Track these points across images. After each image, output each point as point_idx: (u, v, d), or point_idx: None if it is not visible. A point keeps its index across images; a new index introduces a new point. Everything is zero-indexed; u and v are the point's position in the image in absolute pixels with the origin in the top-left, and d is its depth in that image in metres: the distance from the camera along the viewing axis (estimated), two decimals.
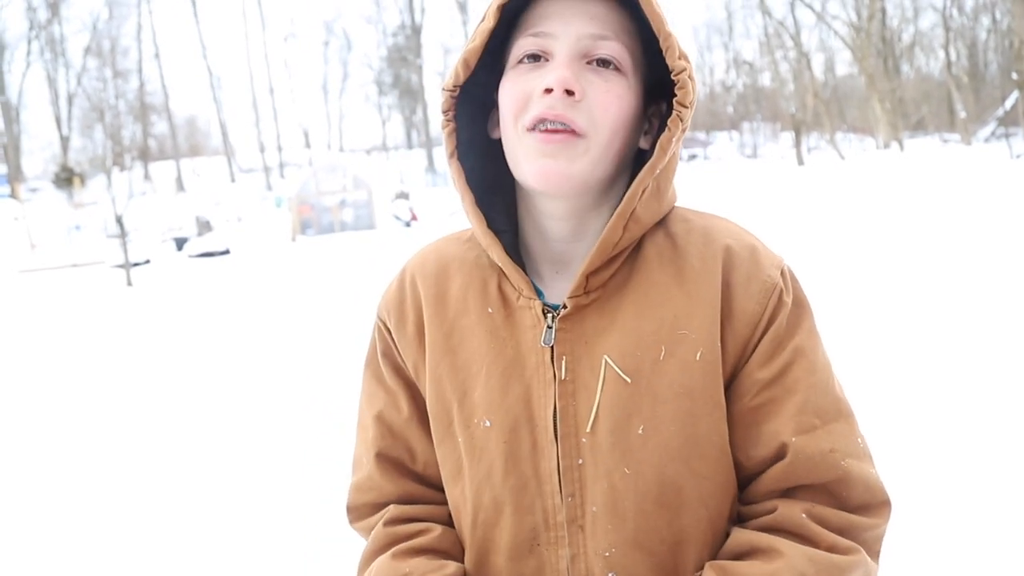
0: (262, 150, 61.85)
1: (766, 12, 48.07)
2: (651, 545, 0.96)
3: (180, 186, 54.56)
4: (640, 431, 0.95)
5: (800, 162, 38.38)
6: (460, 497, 1.04)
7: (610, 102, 0.95)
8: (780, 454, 0.96)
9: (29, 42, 52.83)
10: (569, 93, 0.93)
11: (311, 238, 27.80)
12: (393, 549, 1.03)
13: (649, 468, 0.95)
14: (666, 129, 0.96)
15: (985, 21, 47.69)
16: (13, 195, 38.76)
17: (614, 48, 0.96)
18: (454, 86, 1.00)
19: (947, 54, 43.14)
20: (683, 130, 0.97)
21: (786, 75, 53.25)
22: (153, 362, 8.52)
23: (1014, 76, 21.74)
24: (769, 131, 62.74)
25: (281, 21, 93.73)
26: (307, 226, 29.32)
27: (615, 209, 0.99)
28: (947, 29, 43.25)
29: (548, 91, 0.93)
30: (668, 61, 0.95)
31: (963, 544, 2.97)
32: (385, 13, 70.45)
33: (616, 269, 1.00)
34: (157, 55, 60.99)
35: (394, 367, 1.11)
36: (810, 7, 45.57)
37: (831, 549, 0.91)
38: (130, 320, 12.11)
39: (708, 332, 0.96)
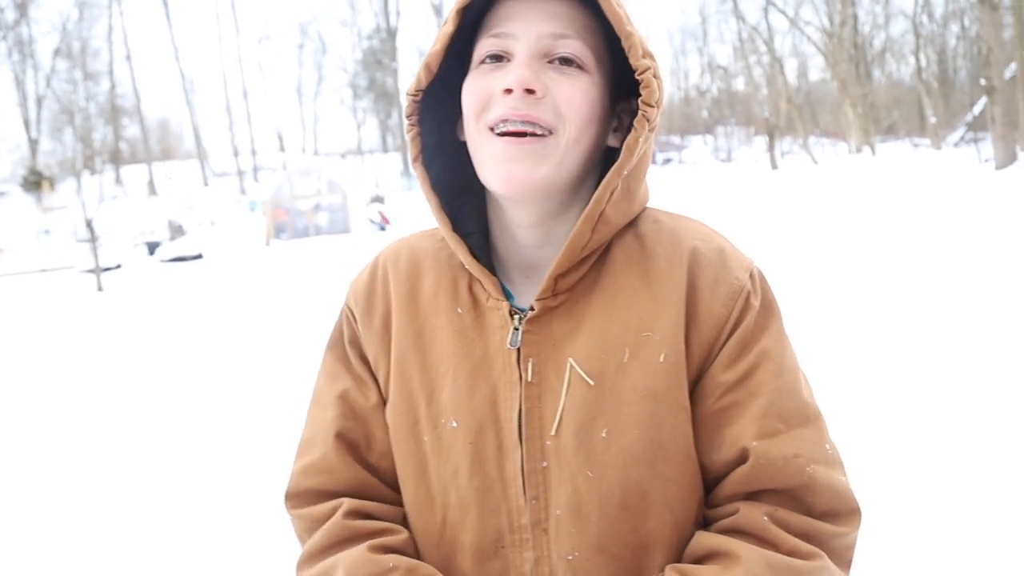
0: (236, 154, 61.42)
1: (740, 17, 48.42)
2: (615, 549, 0.95)
3: (152, 190, 54.03)
4: (604, 434, 0.94)
5: (774, 166, 38.69)
6: (424, 497, 1.03)
7: (574, 96, 0.95)
8: (742, 458, 0.95)
9: None
10: (530, 92, 0.93)
11: (285, 242, 27.61)
12: (368, 543, 0.99)
13: (613, 472, 0.94)
14: (632, 129, 0.95)
15: (954, 28, 48.43)
16: None
17: (575, 46, 0.95)
18: (417, 90, 1.00)
19: (917, 60, 43.69)
20: (651, 130, 0.96)
21: (760, 80, 53.68)
22: (124, 368, 8.41)
23: (982, 82, 22.01)
24: (743, 135, 63.22)
25: (255, 23, 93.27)
26: (281, 230, 29.12)
27: (581, 212, 0.99)
28: (917, 35, 43.78)
29: (508, 91, 0.93)
30: (631, 60, 0.94)
31: (945, 547, 2.99)
32: (360, 16, 70.37)
33: (585, 272, 0.99)
34: (128, 57, 60.34)
35: (361, 356, 1.10)
36: (783, 13, 45.97)
37: (792, 553, 0.90)
38: (101, 326, 11.95)
39: (672, 334, 0.96)
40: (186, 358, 8.62)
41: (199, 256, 23.93)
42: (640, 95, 0.95)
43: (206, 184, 58.37)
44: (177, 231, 29.83)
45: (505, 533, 0.98)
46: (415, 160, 1.02)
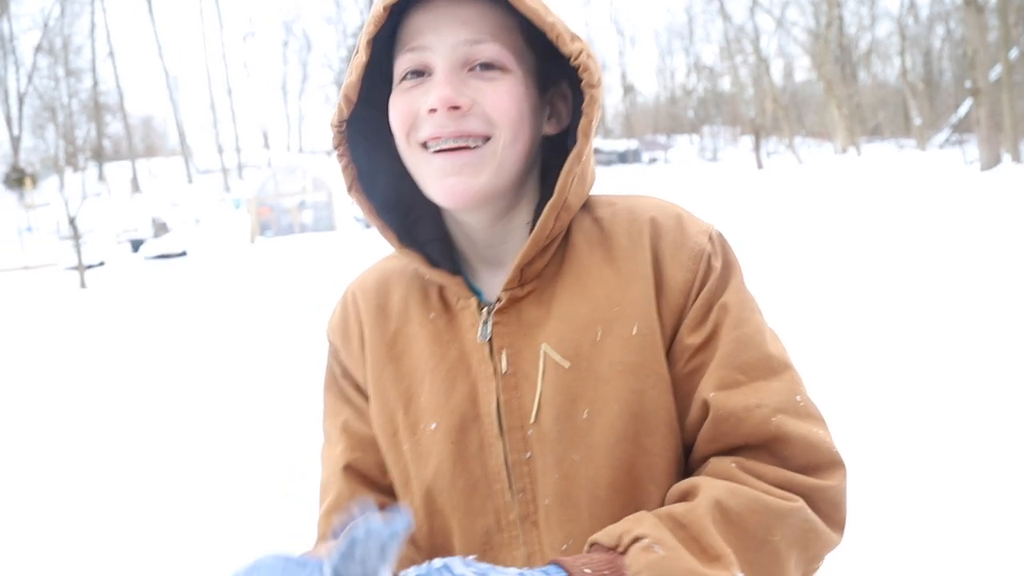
0: (220, 151, 61.11)
1: (726, 17, 48.64)
2: (614, 514, 0.92)
3: (136, 187, 53.70)
4: (585, 415, 0.93)
5: (759, 166, 38.88)
6: (411, 507, 1.01)
7: (502, 100, 0.93)
8: (704, 413, 0.92)
9: None
10: (455, 108, 0.91)
11: (270, 240, 27.51)
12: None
13: (598, 452, 0.93)
14: (583, 115, 0.94)
15: (940, 30, 48.83)
16: None
17: (492, 50, 0.93)
18: (340, 122, 0.98)
19: (903, 62, 44.01)
20: (598, 107, 0.95)
21: (746, 80, 53.93)
22: (108, 365, 8.34)
23: (967, 84, 22.17)
24: (729, 135, 63.49)
25: (239, 20, 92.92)
26: (266, 227, 29.02)
27: (534, 201, 1.01)
28: (903, 37, 44.12)
29: (433, 110, 0.91)
30: (562, 49, 0.92)
31: (942, 545, 2.98)
32: (345, 13, 69.99)
33: (549, 258, 0.99)
34: (111, 54, 59.97)
35: (355, 386, 1.09)
36: (769, 13, 46.22)
37: (764, 493, 0.86)
38: (84, 323, 11.86)
39: (642, 306, 0.95)
40: (170, 356, 8.56)
41: (183, 253, 23.80)
42: (578, 78, 0.94)
43: (190, 181, 58.08)
44: (161, 228, 29.66)
45: (493, 533, 0.96)
46: (350, 190, 1.01)
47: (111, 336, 10.40)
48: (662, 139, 63.44)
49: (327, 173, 30.60)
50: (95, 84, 57.48)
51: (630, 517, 0.86)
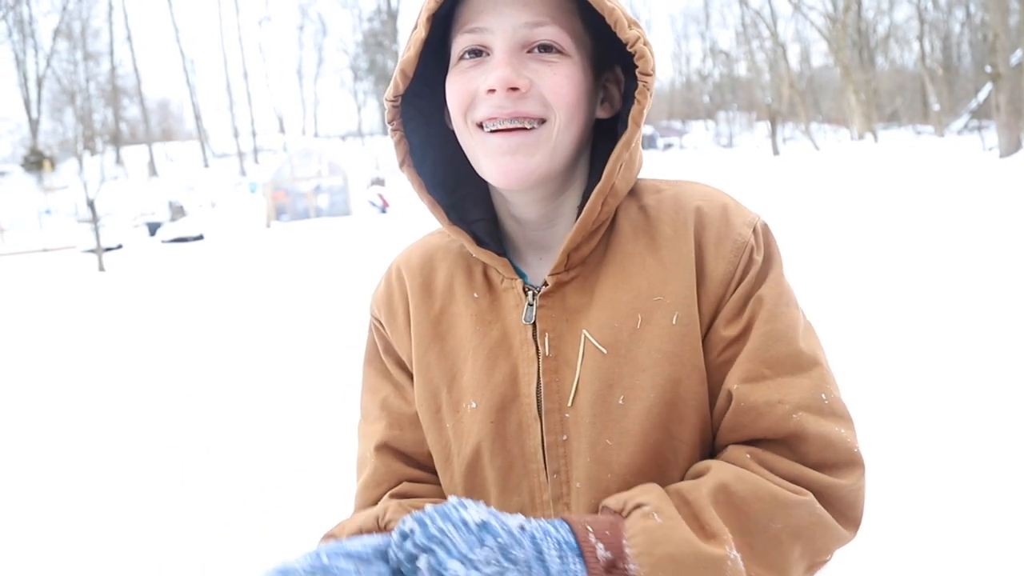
0: (236, 135, 61.27)
1: (743, 2, 48.21)
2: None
3: (153, 171, 53.91)
4: (621, 401, 0.95)
5: (775, 152, 38.62)
6: (449, 483, 1.04)
7: (560, 84, 0.94)
8: (727, 403, 0.94)
9: None
10: (513, 89, 0.92)
11: (286, 224, 27.60)
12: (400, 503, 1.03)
13: (631, 438, 0.94)
14: (635, 102, 0.95)
15: (959, 14, 48.21)
16: None
17: (552, 32, 0.94)
18: (395, 96, 0.99)
19: (921, 46, 43.47)
20: (650, 96, 0.96)
21: (762, 65, 53.49)
22: (125, 348, 8.42)
23: (988, 69, 21.92)
24: (745, 121, 63.07)
25: (256, 4, 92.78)
26: (282, 212, 29.11)
27: (583, 186, 1.01)
28: (922, 22, 43.58)
29: (492, 91, 0.92)
30: (620, 35, 0.93)
31: (945, 544, 3.00)
32: None
33: (595, 244, 1.00)
34: (129, 38, 60.13)
35: (397, 362, 1.11)
36: None
37: (771, 483, 0.88)
38: (102, 305, 11.96)
39: (683, 296, 0.96)
40: (186, 338, 8.63)
41: (200, 237, 23.93)
42: (631, 64, 0.95)
43: (206, 165, 58.28)
44: (178, 212, 29.83)
45: (527, 511, 0.98)
46: (403, 164, 1.02)
47: (128, 318, 10.49)
48: (677, 125, 63.08)
49: (342, 157, 30.63)
50: (113, 68, 57.66)
51: (642, 486, 0.89)
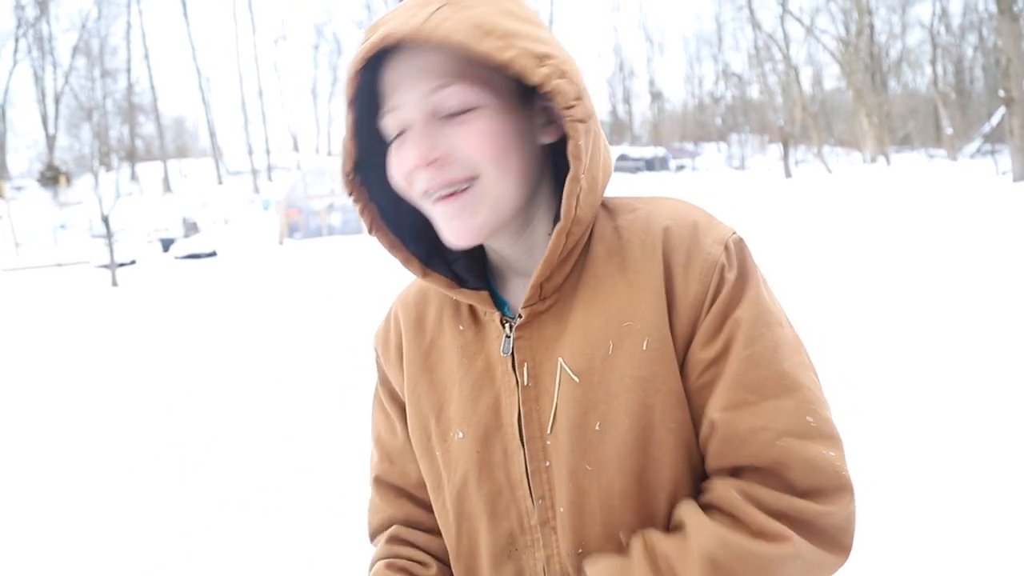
0: (250, 152, 61.66)
1: (756, 25, 48.37)
2: (621, 538, 0.97)
3: (167, 187, 54.29)
4: (597, 427, 0.96)
5: (788, 175, 38.60)
6: (442, 510, 1.08)
7: (476, 141, 0.93)
8: (711, 431, 0.94)
9: (16, 40, 52.49)
10: (434, 161, 0.93)
11: (299, 242, 27.71)
12: (389, 561, 1.11)
13: (609, 463, 0.96)
14: (569, 138, 0.93)
15: (972, 39, 48.24)
16: None
17: (456, 91, 0.93)
18: (349, 170, 1.01)
19: (934, 70, 43.52)
20: (583, 120, 0.93)
21: (774, 88, 53.58)
22: (137, 363, 8.47)
23: (1001, 93, 21.89)
24: (757, 143, 63.09)
25: (272, 24, 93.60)
26: (295, 229, 29.24)
27: (552, 210, 1.02)
28: (934, 46, 43.64)
29: (418, 166, 0.94)
30: (526, 82, 0.92)
31: (946, 547, 2.99)
32: (375, 17, 70.35)
33: (569, 271, 1.00)
34: (146, 56, 60.70)
35: (390, 393, 1.16)
36: (799, 21, 45.88)
37: (758, 534, 0.88)
38: (115, 321, 12.03)
39: (654, 321, 0.96)
40: (198, 355, 8.67)
41: (213, 254, 24.06)
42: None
43: (220, 182, 58.63)
44: (191, 228, 30.01)
45: (517, 536, 1.01)
46: (371, 231, 1.05)
47: (139, 331, 10.55)
48: (690, 147, 63.17)
49: None
50: (129, 85, 58.22)
51: (624, 560, 0.92)
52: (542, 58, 0.91)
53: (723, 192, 27.81)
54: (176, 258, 24.18)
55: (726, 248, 0.97)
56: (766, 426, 0.91)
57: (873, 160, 41.84)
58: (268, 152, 65.63)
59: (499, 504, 1.01)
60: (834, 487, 0.90)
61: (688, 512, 0.93)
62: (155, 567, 3.61)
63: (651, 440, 0.95)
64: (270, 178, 60.61)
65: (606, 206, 1.05)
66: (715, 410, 0.93)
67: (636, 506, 0.96)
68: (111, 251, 17.70)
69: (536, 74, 0.90)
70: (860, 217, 15.92)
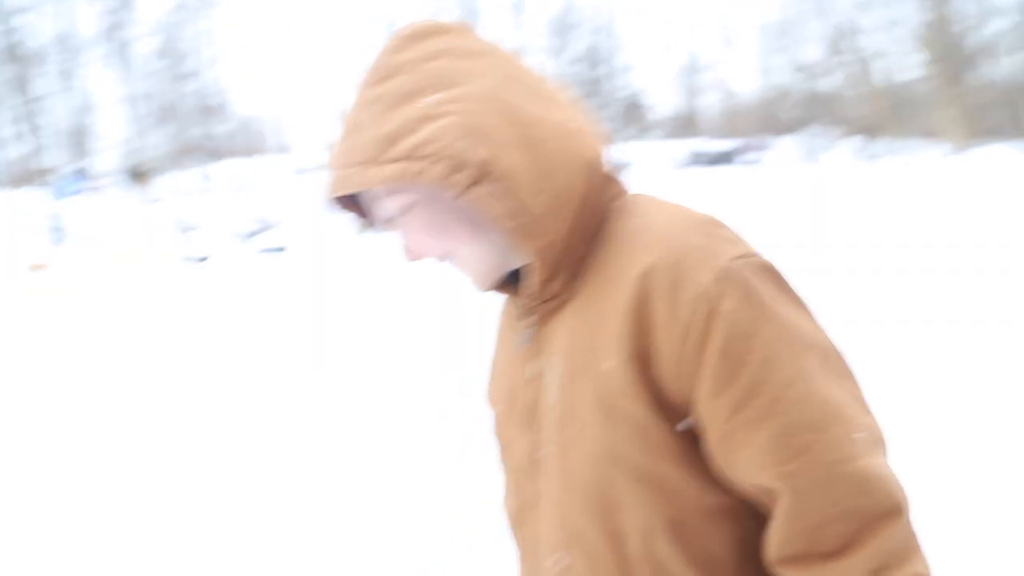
0: (324, 149, 62.46)
1: (829, 16, 47.12)
2: (591, 535, 1.00)
3: (242, 184, 55.46)
4: (575, 431, 1.00)
5: (864, 168, 37.60)
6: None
7: (424, 238, 1.04)
8: (767, 496, 0.92)
9: (101, 41, 54.22)
10: (414, 255, 1.08)
11: (374, 236, 27.95)
12: None
13: (581, 468, 1.00)
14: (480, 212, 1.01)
15: None
16: (84, 190, 39.85)
17: (387, 203, 1.03)
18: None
19: (1018, 59, 41.80)
20: (475, 184, 0.94)
21: (850, 79, 52.18)
22: (213, 354, 8.69)
23: None
24: (832, 136, 61.55)
25: (345, 21, 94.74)
26: (372, 224, 29.48)
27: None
28: (1018, 34, 41.90)
29: None
30: (399, 185, 1.00)
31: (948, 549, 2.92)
32: (448, 15, 70.76)
33: (573, 271, 1.03)
34: (224, 55, 62.04)
35: None
36: (874, 10, 44.59)
37: None
38: (192, 315, 12.36)
39: (616, 345, 0.95)
40: (273, 347, 8.86)
41: (287, 248, 24.47)
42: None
43: (293, 178, 59.60)
44: (266, 224, 30.57)
45: (525, 508, 1.12)
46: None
47: (218, 326, 10.82)
48: (762, 140, 61.95)
49: None
50: (207, 84, 59.60)
51: None
52: (412, 172, 0.95)
53: (797, 186, 27.22)
54: (251, 253, 24.65)
55: (725, 276, 0.91)
56: (834, 460, 0.88)
57: (955, 152, 40.47)
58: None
59: (513, 480, 1.15)
60: (882, 511, 0.89)
61: None
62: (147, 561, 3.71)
63: (618, 459, 0.96)
64: None
65: (621, 200, 1.05)
66: (764, 476, 0.90)
67: (604, 512, 0.98)
68: (190, 246, 18.11)
69: (406, 175, 0.95)
70: (942, 211, 15.42)
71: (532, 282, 1.01)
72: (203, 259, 22.44)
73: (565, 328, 1.02)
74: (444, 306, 9.30)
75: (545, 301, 1.04)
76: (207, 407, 6.42)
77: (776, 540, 0.91)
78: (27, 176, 40.10)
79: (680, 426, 0.94)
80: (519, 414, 1.10)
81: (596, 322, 0.97)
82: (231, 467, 4.95)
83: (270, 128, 74.32)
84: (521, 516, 1.13)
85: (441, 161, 0.93)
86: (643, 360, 0.92)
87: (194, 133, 58.88)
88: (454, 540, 3.59)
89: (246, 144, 67.56)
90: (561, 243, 0.98)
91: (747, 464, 0.91)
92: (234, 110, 65.52)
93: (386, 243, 20.64)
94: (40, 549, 3.96)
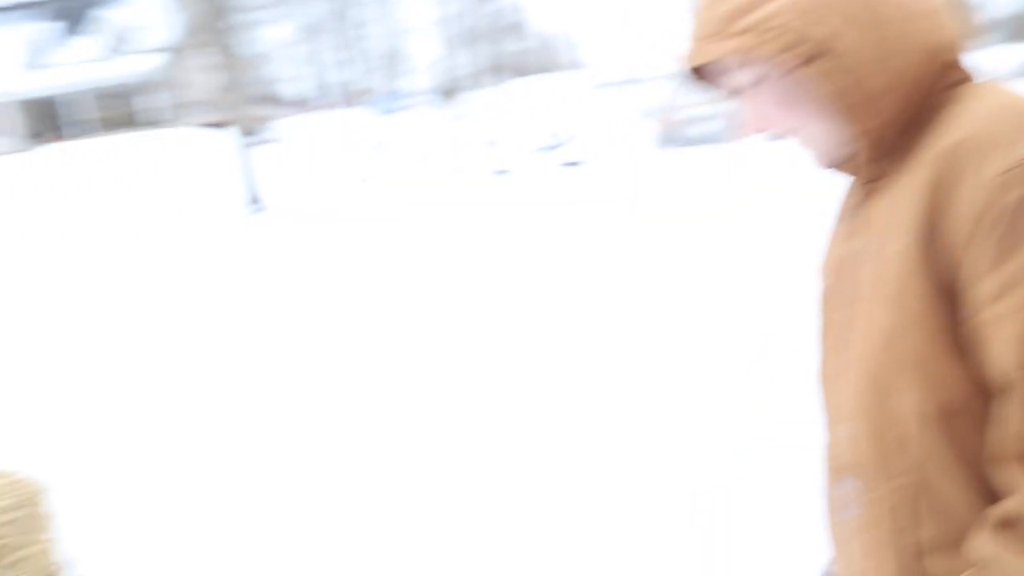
0: (622, 63, 62.08)
1: None
2: (872, 405, 1.00)
3: (541, 100, 56.65)
4: (867, 309, 1.00)
5: None
6: None
7: (771, 113, 1.06)
8: (1006, 393, 0.88)
9: None
10: (760, 129, 1.10)
11: (674, 150, 27.29)
12: None
13: (866, 346, 1.00)
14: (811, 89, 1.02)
15: None
16: (401, 108, 42.74)
17: (740, 77, 1.07)
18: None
19: None
20: (809, 62, 0.97)
21: None
22: (525, 263, 8.69)
23: None
24: None
25: None
26: (670, 138, 28.83)
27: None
28: None
29: None
30: (739, 59, 1.04)
31: None
32: None
33: (901, 153, 1.00)
34: None
35: None
36: None
37: None
38: (501, 223, 12.64)
39: (908, 225, 0.94)
40: (584, 256, 8.69)
41: (586, 162, 24.50)
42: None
43: (590, 94, 59.90)
44: (565, 138, 30.84)
45: (829, 379, 1.13)
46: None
47: (527, 236, 10.92)
48: None
49: None
50: (505, 5, 61.08)
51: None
52: (739, 34, 0.99)
53: None
54: (551, 166, 24.97)
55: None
56: None
57: None
58: (641, 62, 65.64)
59: (825, 350, 1.15)
60: None
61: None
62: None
63: (891, 347, 0.96)
64: (645, 88, 60.72)
65: (962, 87, 0.99)
66: (1013, 367, 0.87)
67: (879, 396, 0.98)
68: (495, 160, 18.61)
69: (742, 51, 0.99)
70: None
71: (858, 162, 1.02)
72: (504, 172, 23.05)
73: (880, 209, 1.01)
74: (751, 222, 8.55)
75: (869, 181, 1.04)
76: (505, 317, 6.37)
77: (1014, 432, 0.89)
78: (351, 97, 43.80)
79: (959, 315, 0.93)
80: (838, 290, 1.08)
81: (897, 203, 0.98)
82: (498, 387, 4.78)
83: (565, 45, 75.04)
84: (827, 386, 1.12)
85: (779, 37, 0.96)
86: (932, 241, 0.92)
87: (497, 52, 60.89)
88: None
89: (543, 61, 68.90)
90: (890, 126, 0.99)
91: (1000, 352, 0.89)
92: (532, 29, 66.80)
93: (682, 157, 19.97)
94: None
